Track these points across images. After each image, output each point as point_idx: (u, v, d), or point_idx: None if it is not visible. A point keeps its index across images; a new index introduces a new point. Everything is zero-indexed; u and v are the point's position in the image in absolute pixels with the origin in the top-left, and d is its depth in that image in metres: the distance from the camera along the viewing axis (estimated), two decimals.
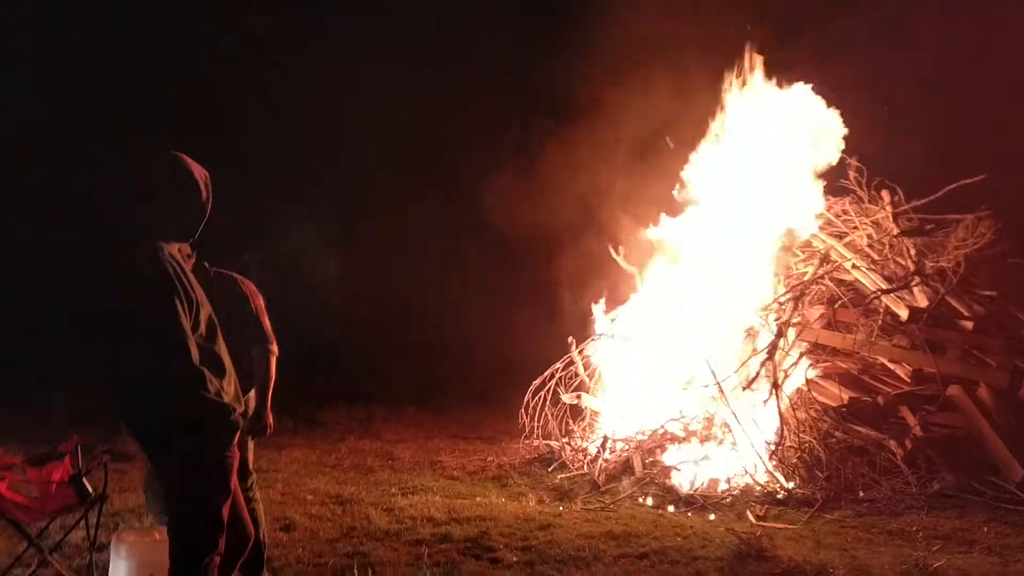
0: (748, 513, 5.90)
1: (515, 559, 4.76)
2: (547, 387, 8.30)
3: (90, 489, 4.06)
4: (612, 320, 8.44)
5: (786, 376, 7.09)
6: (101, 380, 2.95)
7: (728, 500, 6.29)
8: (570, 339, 8.50)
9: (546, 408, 8.23)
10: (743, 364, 7.14)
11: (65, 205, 10.74)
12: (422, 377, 12.05)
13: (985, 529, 5.52)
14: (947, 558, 4.83)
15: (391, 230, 13.89)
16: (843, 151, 8.04)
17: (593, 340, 8.46)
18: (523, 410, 8.28)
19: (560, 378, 8.29)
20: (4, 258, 11.24)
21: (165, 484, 2.97)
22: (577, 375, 8.39)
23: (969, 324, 7.06)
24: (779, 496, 6.30)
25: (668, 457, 6.95)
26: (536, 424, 8.21)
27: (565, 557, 4.78)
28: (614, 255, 8.87)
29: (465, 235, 13.39)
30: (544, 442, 8.08)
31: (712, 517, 5.92)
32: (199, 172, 3.01)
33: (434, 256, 13.75)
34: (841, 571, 4.43)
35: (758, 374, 6.79)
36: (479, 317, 12.50)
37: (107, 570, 3.95)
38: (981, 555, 5.00)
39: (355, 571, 4.40)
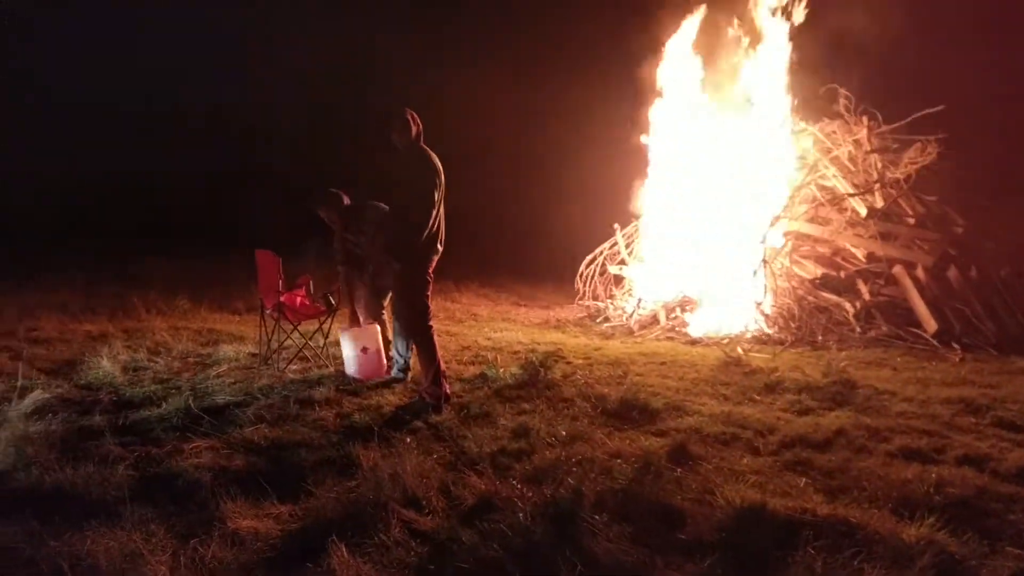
0: (738, 348, 8.47)
1: (580, 361, 7.46)
2: (596, 262, 10.90)
3: (332, 302, 6.76)
4: (648, 211, 10.88)
5: (775, 256, 9.58)
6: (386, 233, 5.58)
7: (726, 341, 8.86)
8: (615, 225, 11.00)
9: (595, 278, 10.88)
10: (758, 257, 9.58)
11: None
12: (481, 258, 14.72)
13: (899, 359, 8.00)
14: (861, 371, 7.37)
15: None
16: (836, 82, 10.23)
17: (633, 224, 10.94)
18: (578, 277, 10.93)
19: (608, 255, 10.88)
20: None
21: (409, 280, 5.58)
22: (618, 253, 10.96)
23: (912, 221, 9.40)
24: (762, 339, 8.88)
25: (685, 312, 9.58)
26: (587, 289, 10.86)
27: (611, 360, 7.46)
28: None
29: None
30: (593, 303, 10.75)
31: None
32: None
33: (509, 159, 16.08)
34: (784, 370, 7.02)
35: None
36: (538, 209, 15.01)
37: (334, 357, 6.70)
38: (887, 371, 7.53)
39: (488, 359, 7.11)
